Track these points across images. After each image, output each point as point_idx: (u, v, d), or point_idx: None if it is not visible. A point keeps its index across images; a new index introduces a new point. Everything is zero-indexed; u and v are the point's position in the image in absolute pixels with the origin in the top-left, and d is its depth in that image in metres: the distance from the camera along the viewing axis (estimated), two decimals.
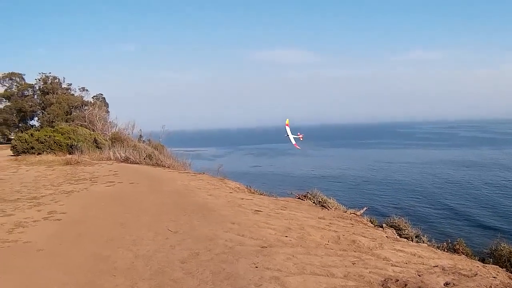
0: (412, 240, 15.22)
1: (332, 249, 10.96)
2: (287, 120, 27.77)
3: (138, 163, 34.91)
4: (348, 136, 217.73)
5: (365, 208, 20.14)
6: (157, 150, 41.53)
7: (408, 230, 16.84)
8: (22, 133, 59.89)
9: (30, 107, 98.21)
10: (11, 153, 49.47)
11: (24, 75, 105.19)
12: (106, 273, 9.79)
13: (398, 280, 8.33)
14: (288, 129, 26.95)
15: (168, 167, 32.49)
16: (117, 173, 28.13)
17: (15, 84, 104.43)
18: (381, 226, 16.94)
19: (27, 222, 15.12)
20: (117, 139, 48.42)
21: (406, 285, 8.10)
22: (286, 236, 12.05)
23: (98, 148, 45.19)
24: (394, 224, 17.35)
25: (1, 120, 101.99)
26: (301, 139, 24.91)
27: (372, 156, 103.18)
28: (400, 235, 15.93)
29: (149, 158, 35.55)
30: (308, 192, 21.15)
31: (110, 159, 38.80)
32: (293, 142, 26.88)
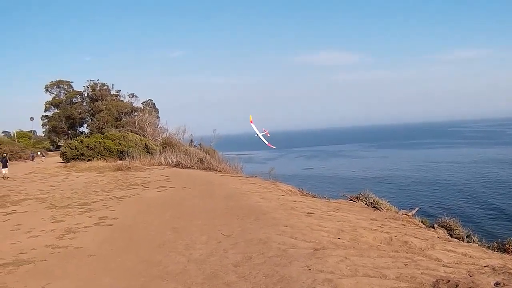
0: (463, 240, 14.92)
1: (384, 251, 10.87)
2: (250, 116, 26.51)
3: (189, 167, 35.27)
4: (398, 136, 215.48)
5: (416, 209, 19.84)
6: (209, 154, 41.90)
7: (459, 230, 16.50)
8: (71, 140, 61.60)
9: (79, 114, 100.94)
10: (60, 159, 50.91)
11: (72, 82, 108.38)
12: (158, 278, 9.90)
13: (449, 281, 8.19)
14: (254, 126, 25.78)
15: (220, 171, 32.67)
16: (169, 178, 28.56)
17: (63, 91, 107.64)
18: (433, 227, 16.68)
19: (78, 228, 15.57)
20: (168, 144, 49.17)
21: (457, 285, 7.96)
22: (339, 238, 11.96)
23: (149, 153, 45.95)
24: (445, 224, 17.06)
25: (50, 127, 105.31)
26: (268, 134, 24.23)
27: (421, 156, 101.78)
28: (451, 235, 15.64)
29: (200, 162, 35.85)
30: (360, 194, 20.95)
31: (162, 164, 39.42)
32: (266, 141, 25.77)
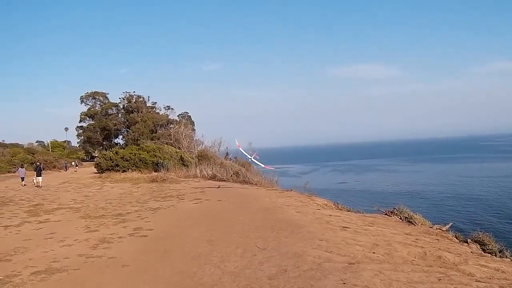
0: (495, 255, 14.74)
1: (418, 265, 10.83)
2: (236, 141, 25.74)
3: (225, 180, 35.35)
4: (430, 151, 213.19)
5: (450, 224, 19.84)
6: (244, 167, 41.97)
7: (492, 245, 16.38)
8: (106, 151, 62.43)
9: (114, 125, 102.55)
10: (95, 170, 51.57)
11: (108, 94, 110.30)
12: None
13: None
14: (242, 150, 25.23)
15: (256, 184, 32.69)
16: (204, 191, 28.60)
17: (99, 103, 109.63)
18: (466, 241, 16.62)
19: (112, 238, 15.67)
20: (203, 157, 49.37)
21: None
22: (374, 253, 11.94)
23: (184, 165, 46.26)
24: (478, 239, 17.03)
25: (85, 138, 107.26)
26: (257, 156, 23.79)
27: (453, 170, 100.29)
28: (484, 250, 15.59)
29: (236, 175, 35.93)
30: (394, 208, 21.01)
31: (197, 176, 39.63)
32: (261, 164, 24.94)
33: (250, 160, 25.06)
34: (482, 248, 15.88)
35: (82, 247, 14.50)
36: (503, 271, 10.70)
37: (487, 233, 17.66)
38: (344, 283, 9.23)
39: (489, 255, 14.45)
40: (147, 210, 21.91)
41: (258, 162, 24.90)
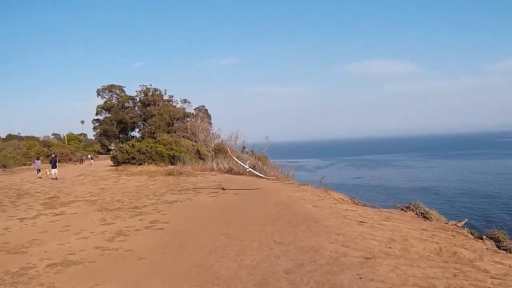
0: (510, 252, 14.66)
1: (434, 261, 10.86)
2: (228, 149, 23.93)
3: (241, 174, 35.35)
4: (445, 147, 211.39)
5: (466, 220, 19.73)
6: (261, 161, 41.91)
7: (507, 242, 16.34)
8: (122, 143, 62.72)
9: (131, 119, 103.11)
10: (111, 163, 51.85)
11: (124, 87, 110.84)
12: (208, 283, 9.85)
13: None
14: (237, 160, 23.15)
15: (272, 178, 32.66)
16: (221, 184, 28.61)
17: (115, 96, 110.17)
18: (481, 238, 16.57)
19: (128, 231, 15.75)
20: (220, 150, 49.41)
21: None
22: (390, 248, 11.94)
23: (201, 159, 46.33)
24: (493, 236, 16.98)
25: (101, 131, 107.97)
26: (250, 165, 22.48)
27: (468, 167, 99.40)
28: (499, 247, 15.51)
29: (252, 169, 35.88)
30: (410, 204, 20.95)
31: (213, 170, 39.70)
32: (260, 174, 22.77)
33: (249, 169, 23.02)
34: (497, 245, 15.87)
35: (98, 239, 14.60)
36: None
37: (502, 230, 17.61)
38: (360, 278, 9.26)
39: (504, 252, 14.43)
40: (164, 203, 22.00)
41: (256, 172, 22.98)
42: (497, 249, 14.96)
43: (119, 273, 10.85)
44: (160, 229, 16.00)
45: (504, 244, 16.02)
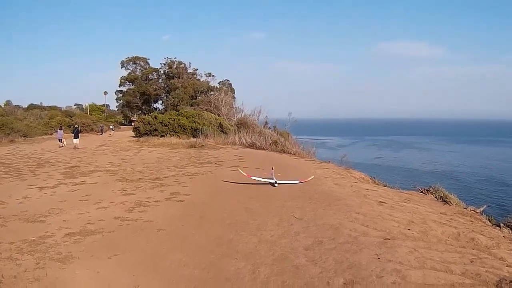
0: None
1: (452, 245, 10.80)
2: (241, 170, 19.09)
3: (263, 149, 35.28)
4: (471, 132, 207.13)
5: (484, 206, 19.37)
6: (283, 137, 41.73)
7: None
8: (145, 115, 62.89)
9: (154, 91, 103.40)
10: (133, 134, 52.06)
11: (149, 59, 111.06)
12: (227, 256, 9.86)
13: (511, 282, 8.23)
14: (257, 178, 18.17)
15: (294, 154, 32.51)
16: (243, 158, 28.67)
17: (139, 68, 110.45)
18: (499, 226, 16.27)
19: (148, 202, 15.77)
20: (243, 125, 49.31)
21: None
22: (409, 229, 11.92)
23: (223, 132, 46.28)
24: (511, 224, 16.63)
25: (124, 102, 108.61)
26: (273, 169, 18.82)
27: (490, 154, 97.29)
28: None
29: (274, 144, 35.75)
30: (430, 187, 20.65)
31: (235, 144, 39.62)
32: (291, 181, 18.34)
33: (275, 183, 19.62)
34: None
35: (117, 210, 14.66)
36: None
37: None
38: (379, 258, 9.33)
39: None
40: (185, 175, 21.97)
41: (287, 181, 20.08)
42: None
43: (138, 244, 10.86)
44: (181, 201, 16.00)
45: None
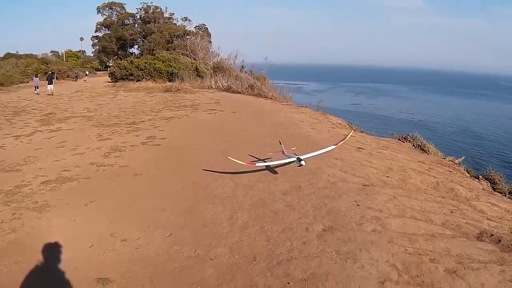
0: (505, 196, 14.47)
1: (431, 195, 10.70)
2: (236, 160, 13.37)
3: (240, 92, 34.91)
4: (447, 83, 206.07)
5: (463, 157, 19.42)
6: (259, 81, 41.33)
7: (502, 185, 16.10)
8: (121, 60, 61.87)
9: (130, 36, 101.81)
10: (109, 79, 51.29)
11: (125, 4, 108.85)
12: (205, 201, 9.71)
13: (492, 235, 8.18)
14: (261, 164, 13.37)
15: (270, 98, 32.24)
16: (219, 102, 28.21)
17: (116, 13, 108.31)
18: (477, 178, 16.36)
19: (124, 147, 15.49)
20: (219, 69, 48.81)
21: (499, 241, 7.90)
22: (388, 177, 11.82)
23: (199, 76, 45.70)
24: (490, 177, 16.72)
25: (100, 47, 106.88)
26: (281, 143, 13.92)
27: (465, 106, 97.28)
28: (494, 189, 15.34)
29: (251, 88, 35.41)
30: (408, 135, 20.60)
31: (212, 87, 39.18)
32: (327, 148, 14.45)
33: (298, 162, 16.48)
34: (492, 187, 15.71)
35: (93, 155, 14.36)
36: None
37: (499, 172, 17.40)
38: (358, 205, 9.24)
39: (499, 194, 14.28)
40: (161, 119, 21.57)
41: (294, 158, 16.64)
42: (492, 190, 14.87)
43: (114, 190, 10.66)
44: (157, 145, 15.74)
45: (499, 187, 15.85)
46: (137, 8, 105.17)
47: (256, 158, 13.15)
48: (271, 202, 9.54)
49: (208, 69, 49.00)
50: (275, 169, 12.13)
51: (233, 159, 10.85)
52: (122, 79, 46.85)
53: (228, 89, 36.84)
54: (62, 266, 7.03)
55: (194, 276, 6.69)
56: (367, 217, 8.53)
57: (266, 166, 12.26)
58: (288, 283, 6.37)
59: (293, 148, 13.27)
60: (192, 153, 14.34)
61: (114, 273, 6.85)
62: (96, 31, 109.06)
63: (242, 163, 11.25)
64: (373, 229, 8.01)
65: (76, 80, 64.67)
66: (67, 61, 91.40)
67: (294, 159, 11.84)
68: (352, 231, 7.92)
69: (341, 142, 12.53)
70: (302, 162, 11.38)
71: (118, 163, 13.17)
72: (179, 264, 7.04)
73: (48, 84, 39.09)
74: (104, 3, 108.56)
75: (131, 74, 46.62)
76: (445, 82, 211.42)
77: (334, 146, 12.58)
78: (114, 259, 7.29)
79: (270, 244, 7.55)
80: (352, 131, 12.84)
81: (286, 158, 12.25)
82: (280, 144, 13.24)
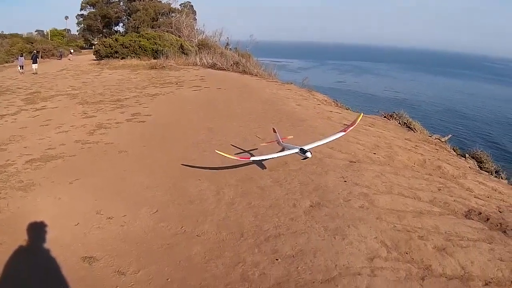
0: (492, 175, 14.56)
1: (418, 172, 10.75)
2: (226, 154, 11.86)
3: (225, 69, 34.78)
4: (431, 62, 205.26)
5: (449, 136, 19.52)
6: (244, 58, 41.15)
7: (489, 164, 16.29)
8: (106, 38, 61.26)
9: (115, 14, 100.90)
10: (93, 57, 50.83)
11: None
12: (191, 177, 9.60)
13: (480, 213, 8.20)
14: (260, 157, 11.79)
15: (255, 75, 32.13)
16: (204, 78, 28.03)
17: None
18: (464, 156, 16.49)
19: (109, 124, 15.30)
20: (204, 46, 48.56)
21: (488, 219, 7.94)
22: (375, 153, 11.85)
23: (184, 54, 45.41)
24: (476, 155, 16.87)
25: (85, 26, 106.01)
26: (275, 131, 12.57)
27: (447, 85, 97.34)
28: (480, 168, 15.54)
29: (236, 65, 35.29)
30: (394, 112, 20.60)
31: (197, 64, 38.96)
32: (334, 136, 13.34)
33: (306, 152, 15.62)
34: (478, 166, 15.86)
35: (78, 133, 14.15)
36: (500, 192, 10.55)
37: (485, 151, 17.49)
38: (345, 181, 9.22)
39: (486, 173, 14.40)
40: (146, 96, 21.39)
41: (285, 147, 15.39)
42: (479, 169, 14.98)
43: (99, 167, 10.51)
44: (142, 121, 15.60)
45: (486, 166, 15.98)
46: None
47: (241, 149, 12.38)
48: (258, 178, 9.48)
49: (193, 46, 48.71)
50: (263, 163, 10.38)
51: (222, 153, 8.95)
52: (107, 57, 46.42)
53: (213, 66, 36.73)
54: (47, 245, 6.90)
55: (181, 253, 6.60)
56: (354, 193, 8.50)
57: (262, 160, 10.09)
58: (277, 259, 6.31)
59: (290, 137, 11.41)
60: (177, 130, 14.20)
61: (101, 251, 6.74)
62: (81, 9, 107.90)
63: (234, 157, 9.52)
64: (361, 205, 7.99)
65: (60, 59, 63.91)
66: (52, 40, 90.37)
67: (296, 150, 9.81)
68: (339, 207, 7.89)
69: (351, 128, 10.66)
70: (308, 154, 9.45)
71: (103, 141, 13.01)
72: (165, 241, 6.94)
73: (32, 63, 38.63)
74: None
75: (116, 52, 46.22)
76: (430, 61, 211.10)
77: (342, 133, 10.48)
78: (100, 237, 7.17)
79: (257, 220, 7.49)
80: (361, 115, 10.59)
81: (284, 149, 10.38)
82: (275, 132, 11.22)
